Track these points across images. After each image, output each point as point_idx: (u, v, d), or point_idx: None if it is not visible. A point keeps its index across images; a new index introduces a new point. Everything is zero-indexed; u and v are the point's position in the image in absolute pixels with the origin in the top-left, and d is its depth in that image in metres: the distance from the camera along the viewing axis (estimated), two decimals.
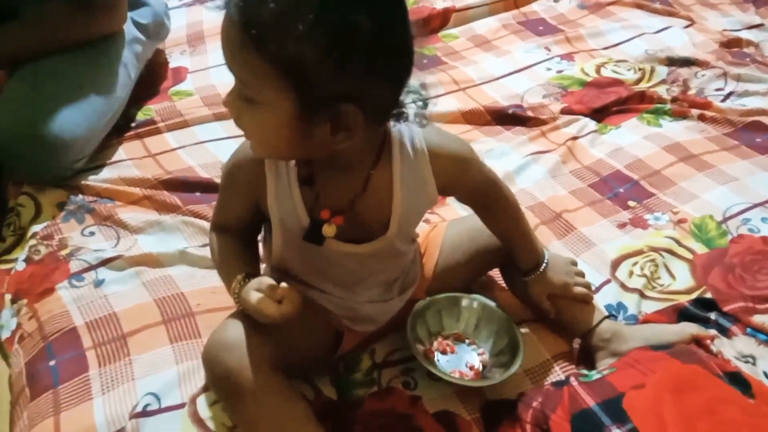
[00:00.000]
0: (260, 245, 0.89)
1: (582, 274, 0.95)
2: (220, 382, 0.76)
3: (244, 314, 0.78)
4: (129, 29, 1.35)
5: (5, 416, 0.91)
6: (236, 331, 0.76)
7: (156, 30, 1.44)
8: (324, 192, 0.76)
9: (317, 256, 0.80)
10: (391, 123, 0.75)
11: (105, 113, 1.25)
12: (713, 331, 0.89)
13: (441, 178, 0.79)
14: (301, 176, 0.75)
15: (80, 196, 1.18)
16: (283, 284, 0.73)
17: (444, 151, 0.79)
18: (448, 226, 0.98)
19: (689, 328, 0.89)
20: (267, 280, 0.74)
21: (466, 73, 1.54)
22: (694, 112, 1.37)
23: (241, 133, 1.38)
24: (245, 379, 0.73)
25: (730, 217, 1.12)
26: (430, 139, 0.78)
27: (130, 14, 1.35)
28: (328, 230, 0.76)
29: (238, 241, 0.84)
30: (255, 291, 0.74)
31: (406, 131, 0.77)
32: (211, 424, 0.81)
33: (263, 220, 0.82)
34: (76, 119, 1.17)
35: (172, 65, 1.55)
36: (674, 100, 1.42)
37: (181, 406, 0.83)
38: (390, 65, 0.64)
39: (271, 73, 0.62)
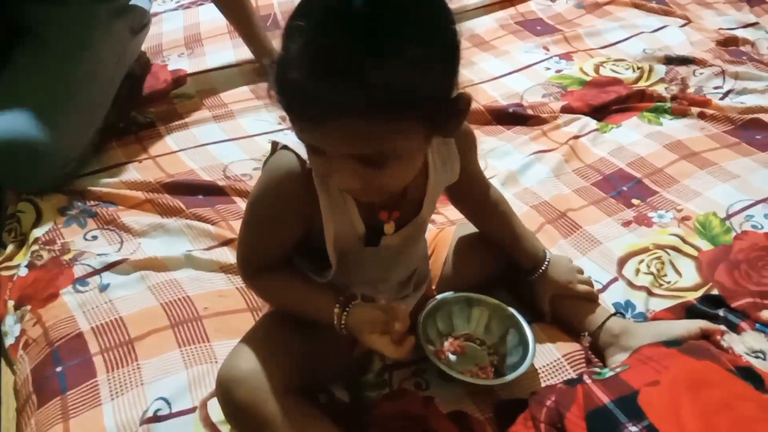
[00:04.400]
0: None
1: (582, 272, 0.96)
2: (237, 417, 0.74)
3: (254, 337, 0.77)
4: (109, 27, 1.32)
5: (12, 424, 0.89)
6: (247, 360, 0.74)
7: (138, 23, 1.42)
8: None
9: (359, 260, 0.79)
10: None
11: (90, 115, 1.24)
12: (723, 327, 0.90)
13: (459, 151, 0.81)
14: None
15: (81, 201, 1.16)
16: (401, 325, 0.72)
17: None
18: (456, 228, 0.98)
19: (698, 323, 0.89)
20: (381, 316, 0.72)
21: (465, 74, 1.53)
22: (694, 110, 1.38)
23: (243, 133, 1.38)
24: (263, 410, 0.71)
25: (734, 214, 1.12)
26: None
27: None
28: (389, 229, 0.76)
29: (289, 271, 0.80)
30: (369, 332, 0.72)
31: None
32: (223, 428, 0.80)
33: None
34: (59, 123, 1.15)
35: (170, 68, 1.54)
36: (674, 98, 1.42)
37: (192, 410, 0.83)
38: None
39: (412, 126, 0.61)
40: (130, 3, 1.38)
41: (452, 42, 0.61)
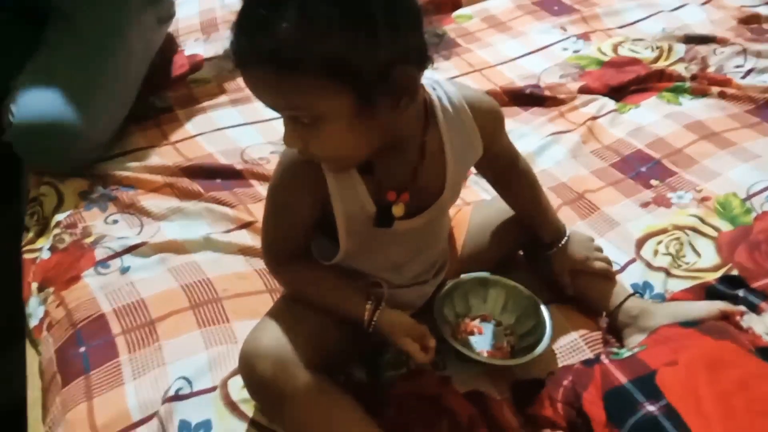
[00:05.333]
0: None
1: (601, 250, 0.95)
2: (260, 392, 0.75)
3: (276, 314, 0.78)
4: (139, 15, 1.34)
5: (37, 402, 0.91)
6: (269, 336, 0.75)
7: (166, 14, 1.43)
8: (384, 176, 0.75)
9: (376, 241, 0.79)
10: (426, 87, 0.75)
11: (119, 102, 1.26)
12: (742, 308, 0.89)
13: (482, 132, 0.80)
14: (360, 167, 0.74)
15: (102, 185, 1.18)
16: (433, 340, 0.77)
17: (482, 104, 0.81)
18: (473, 209, 0.98)
19: (717, 305, 0.89)
20: (418, 327, 0.78)
21: (481, 56, 1.53)
22: (714, 89, 1.36)
23: (260, 117, 1.39)
24: (285, 385, 0.72)
25: (754, 195, 1.11)
26: (465, 94, 0.79)
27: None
28: (397, 210, 0.76)
29: (315, 265, 0.82)
30: (405, 335, 0.77)
31: (441, 92, 0.77)
32: (243, 407, 0.81)
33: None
34: (91, 108, 1.17)
35: (186, 53, 1.55)
36: (693, 77, 1.40)
37: (213, 389, 0.84)
38: (408, 10, 0.64)
39: (319, 84, 0.61)
40: None
41: (373, 10, 0.60)
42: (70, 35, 1.24)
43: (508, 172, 0.91)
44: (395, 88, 0.64)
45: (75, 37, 1.23)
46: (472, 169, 1.00)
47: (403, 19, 0.63)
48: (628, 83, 1.39)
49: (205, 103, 1.38)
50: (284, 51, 0.60)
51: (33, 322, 1.00)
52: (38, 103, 1.15)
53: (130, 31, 1.29)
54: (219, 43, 1.58)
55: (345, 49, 0.60)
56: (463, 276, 0.92)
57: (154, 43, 1.41)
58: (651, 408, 0.71)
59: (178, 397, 0.83)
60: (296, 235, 0.79)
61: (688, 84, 1.38)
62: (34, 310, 1.01)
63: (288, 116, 0.67)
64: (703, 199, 1.11)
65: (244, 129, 1.31)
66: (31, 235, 1.12)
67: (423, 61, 0.67)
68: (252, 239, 1.07)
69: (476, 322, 0.91)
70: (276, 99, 0.65)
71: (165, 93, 1.41)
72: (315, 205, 0.76)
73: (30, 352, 0.98)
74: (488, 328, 0.91)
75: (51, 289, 1.01)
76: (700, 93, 1.36)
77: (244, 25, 0.63)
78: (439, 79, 0.79)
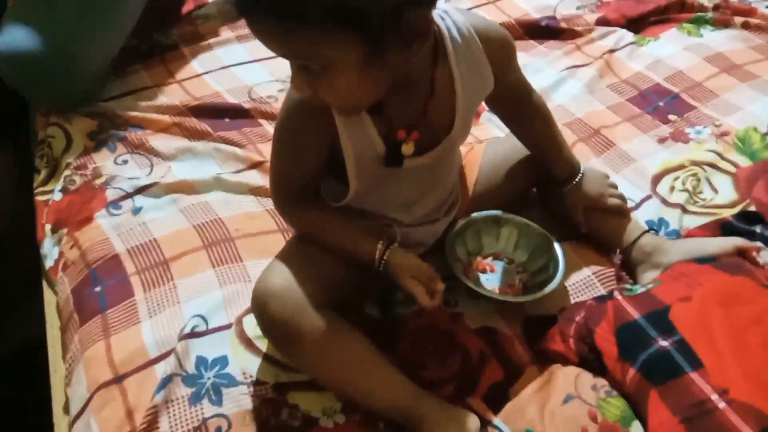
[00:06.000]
0: None
1: (615, 187, 0.94)
2: (273, 331, 0.75)
3: (287, 255, 0.78)
4: None
5: (57, 340, 0.94)
6: (281, 276, 0.75)
7: None
8: (393, 114, 0.73)
9: (386, 180, 0.78)
10: (435, 18, 0.72)
11: (114, 30, 1.22)
12: (759, 244, 0.88)
13: (492, 62, 0.77)
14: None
15: (110, 125, 1.17)
16: (441, 284, 0.76)
17: (492, 33, 0.78)
18: (486, 146, 0.96)
19: (733, 240, 0.88)
20: (426, 270, 0.77)
21: None
22: (737, 20, 1.31)
23: (267, 54, 1.36)
24: (297, 324, 0.72)
25: None
26: (474, 23, 0.76)
27: None
28: (407, 149, 0.75)
29: (325, 205, 0.81)
30: (411, 276, 0.76)
31: (450, 22, 0.74)
32: (258, 343, 0.83)
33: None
34: (82, 36, 1.14)
35: None
36: (716, 8, 1.35)
37: (228, 326, 0.85)
38: None
39: (325, 33, 0.59)
40: None
41: None
42: None
43: (521, 107, 0.89)
44: (406, 32, 0.61)
45: None
46: (485, 106, 0.98)
47: None
48: (648, 14, 1.35)
49: (211, 40, 1.35)
50: (289, 1, 0.57)
51: (48, 263, 1.01)
52: (24, 32, 1.11)
53: None
54: None
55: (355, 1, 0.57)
56: (474, 214, 0.92)
57: None
58: (664, 343, 0.71)
59: (194, 334, 0.84)
60: (304, 176, 0.78)
61: (710, 14, 1.33)
62: (49, 251, 1.02)
63: (296, 64, 0.65)
64: (722, 134, 1.08)
65: (251, 66, 1.29)
66: (42, 176, 1.12)
67: (432, 2, 0.64)
68: (262, 179, 1.06)
69: (488, 260, 0.91)
70: (282, 49, 0.63)
71: (170, 30, 1.38)
72: (323, 144, 0.75)
73: (47, 292, 1.00)
74: (500, 266, 0.91)
75: (64, 230, 1.02)
76: (723, 24, 1.31)
77: None
78: (448, 9, 0.76)
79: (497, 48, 0.78)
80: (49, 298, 0.99)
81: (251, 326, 0.84)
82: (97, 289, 0.92)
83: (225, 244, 0.96)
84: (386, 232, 0.80)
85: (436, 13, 0.73)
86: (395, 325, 0.85)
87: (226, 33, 1.37)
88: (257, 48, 1.31)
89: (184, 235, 0.97)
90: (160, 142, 1.13)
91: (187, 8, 1.45)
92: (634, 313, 0.76)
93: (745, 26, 1.30)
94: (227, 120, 1.18)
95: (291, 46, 0.62)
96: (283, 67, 1.27)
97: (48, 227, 1.04)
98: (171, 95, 1.23)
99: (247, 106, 1.19)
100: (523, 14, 1.38)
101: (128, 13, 1.25)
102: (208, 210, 1.01)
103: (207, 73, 1.28)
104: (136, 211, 1.02)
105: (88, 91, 1.19)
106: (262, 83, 1.25)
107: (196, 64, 1.30)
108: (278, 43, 0.62)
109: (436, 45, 0.73)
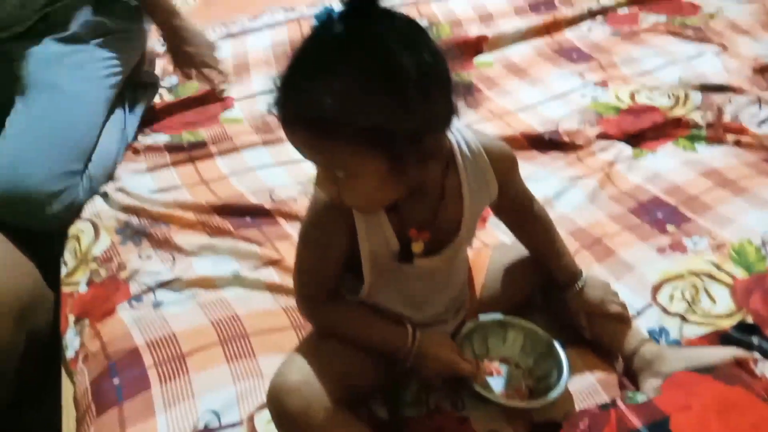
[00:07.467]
0: None
1: (617, 295, 0.98)
2: (287, 426, 0.78)
3: (305, 350, 0.82)
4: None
5: (72, 431, 0.95)
6: (297, 372, 0.78)
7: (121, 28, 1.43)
8: (407, 214, 0.80)
9: (398, 277, 0.84)
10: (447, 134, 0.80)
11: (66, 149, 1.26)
12: (756, 354, 0.91)
13: (497, 174, 0.85)
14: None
15: (137, 220, 1.24)
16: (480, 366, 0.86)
17: (497, 149, 0.86)
18: (492, 251, 1.02)
19: (731, 351, 0.91)
20: (458, 366, 0.85)
21: (502, 102, 1.57)
22: (730, 137, 1.39)
23: (288, 158, 1.44)
24: (312, 420, 0.75)
25: None
26: (482, 140, 0.84)
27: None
28: (417, 247, 0.80)
29: (350, 300, 0.86)
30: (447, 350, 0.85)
31: (460, 137, 0.82)
32: None
33: None
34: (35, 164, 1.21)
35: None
36: (709, 125, 1.43)
37: (240, 423, 0.87)
38: (439, 80, 0.69)
39: (356, 149, 0.67)
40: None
41: (410, 84, 0.64)
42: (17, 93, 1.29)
43: (523, 215, 0.95)
44: (424, 151, 0.70)
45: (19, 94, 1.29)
46: (491, 212, 1.04)
47: (436, 90, 0.68)
48: (645, 130, 1.43)
49: (238, 142, 1.44)
50: (327, 119, 0.65)
51: (69, 354, 1.04)
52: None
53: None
54: (250, 85, 1.65)
55: (383, 120, 0.65)
56: (482, 317, 0.95)
57: (122, 59, 1.41)
58: None
59: (206, 430, 0.86)
60: (329, 274, 0.84)
61: (704, 132, 1.41)
62: (71, 341, 1.05)
63: (321, 168, 0.73)
64: (719, 246, 1.13)
65: (274, 169, 1.37)
66: (69, 269, 1.17)
67: (450, 121, 0.73)
68: (279, 277, 1.11)
69: (495, 363, 0.94)
70: (315, 156, 0.71)
71: (198, 130, 1.48)
72: (345, 242, 0.81)
73: (66, 382, 1.03)
74: (506, 370, 0.93)
75: (86, 321, 1.06)
76: (716, 141, 1.39)
77: (290, 88, 0.68)
78: (459, 126, 0.84)
79: (502, 162, 0.86)
80: (66, 389, 1.02)
81: (262, 424, 0.86)
82: (115, 381, 0.95)
83: (240, 340, 0.99)
84: (409, 321, 0.85)
85: (448, 131, 0.81)
86: (402, 427, 0.87)
87: (252, 137, 1.46)
88: (281, 152, 1.41)
89: (202, 330, 1.01)
90: (183, 238, 1.19)
91: (215, 111, 1.55)
92: (637, 423, 0.78)
93: (737, 143, 1.38)
94: (248, 219, 1.24)
95: (322, 156, 0.71)
96: (303, 171, 1.35)
97: (72, 318, 1.08)
98: (197, 194, 1.30)
99: (268, 206, 1.26)
100: (528, 128, 1.46)
101: (87, 128, 1.32)
102: (225, 306, 1.06)
103: (232, 174, 1.36)
104: (157, 305, 1.07)
105: (67, 206, 1.23)
106: (284, 185, 1.33)
107: (222, 165, 1.39)
108: (310, 152, 0.71)
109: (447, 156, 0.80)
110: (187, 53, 1.46)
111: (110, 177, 1.34)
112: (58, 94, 1.30)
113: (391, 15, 0.67)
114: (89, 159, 1.31)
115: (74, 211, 1.25)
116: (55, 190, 1.22)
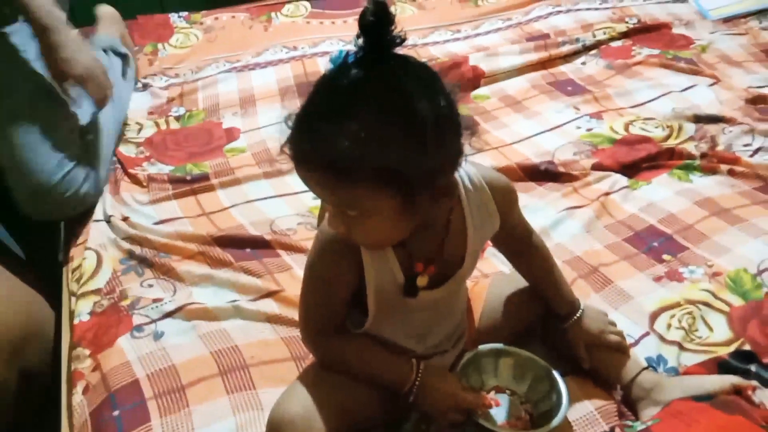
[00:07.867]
0: None
1: (614, 325, 0.99)
2: None
3: (305, 381, 0.82)
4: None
5: None
6: (297, 404, 0.79)
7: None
8: (413, 248, 0.81)
9: (402, 310, 0.84)
10: None
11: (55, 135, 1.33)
12: (754, 382, 0.91)
13: (498, 206, 0.86)
14: None
15: (140, 250, 1.25)
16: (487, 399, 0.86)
17: (498, 183, 0.87)
18: (491, 282, 1.03)
19: (730, 379, 0.91)
20: (463, 400, 0.85)
21: (499, 134, 1.59)
22: (724, 167, 1.41)
23: (290, 190, 1.45)
24: None
25: (765, 270, 1.14)
26: (484, 174, 0.85)
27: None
28: (422, 281, 0.81)
29: (355, 334, 0.87)
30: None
31: (463, 172, 0.83)
32: None
33: None
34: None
35: (225, 126, 1.65)
36: (703, 155, 1.45)
37: None
38: (452, 122, 0.71)
39: (370, 190, 0.68)
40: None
41: (425, 128, 0.66)
42: None
43: (522, 246, 0.97)
44: (436, 191, 0.71)
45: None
46: (490, 243, 1.05)
47: (449, 133, 0.70)
48: (640, 160, 1.45)
49: (240, 174, 1.46)
50: (342, 162, 0.66)
51: (68, 385, 1.04)
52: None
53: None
54: (255, 118, 1.67)
55: (400, 163, 0.67)
56: (478, 348, 0.95)
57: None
58: None
59: None
60: (335, 309, 0.85)
61: (698, 162, 1.43)
62: (70, 372, 1.06)
63: (334, 207, 0.74)
64: (715, 274, 1.14)
65: (274, 201, 1.39)
66: (71, 298, 1.19)
67: (460, 162, 0.74)
68: (278, 308, 1.12)
69: (492, 394, 0.93)
70: (329, 197, 0.72)
71: (202, 162, 1.51)
72: (352, 278, 0.81)
73: (65, 414, 1.03)
74: (504, 399, 0.93)
75: (87, 352, 1.07)
76: (710, 171, 1.41)
77: (305, 130, 0.69)
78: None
79: (503, 195, 0.87)
80: (66, 421, 1.02)
81: None
82: (116, 413, 0.95)
83: (240, 372, 1.00)
84: (413, 355, 0.85)
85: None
86: None
87: (254, 169, 1.48)
88: (281, 184, 1.43)
89: (202, 361, 1.02)
90: (184, 268, 1.20)
91: (220, 143, 1.58)
92: None
93: (731, 173, 1.40)
94: (248, 250, 1.25)
95: (336, 197, 0.71)
96: (303, 203, 1.37)
97: (72, 348, 1.09)
98: (198, 226, 1.32)
99: (268, 237, 1.27)
100: (524, 159, 1.49)
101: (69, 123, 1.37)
102: (225, 337, 1.06)
103: (233, 206, 1.38)
104: (158, 336, 1.07)
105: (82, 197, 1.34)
106: (283, 216, 1.34)
107: (224, 197, 1.41)
108: (324, 193, 0.72)
109: None
110: (63, 64, 1.35)
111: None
112: None
113: (405, 59, 0.69)
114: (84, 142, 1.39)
115: (82, 201, 1.36)
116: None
